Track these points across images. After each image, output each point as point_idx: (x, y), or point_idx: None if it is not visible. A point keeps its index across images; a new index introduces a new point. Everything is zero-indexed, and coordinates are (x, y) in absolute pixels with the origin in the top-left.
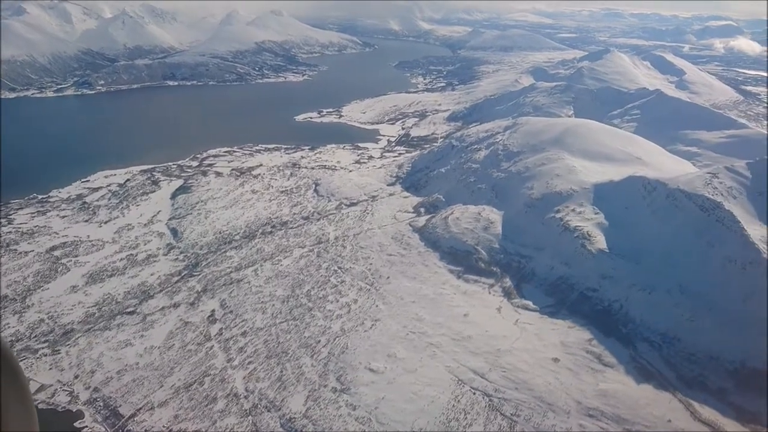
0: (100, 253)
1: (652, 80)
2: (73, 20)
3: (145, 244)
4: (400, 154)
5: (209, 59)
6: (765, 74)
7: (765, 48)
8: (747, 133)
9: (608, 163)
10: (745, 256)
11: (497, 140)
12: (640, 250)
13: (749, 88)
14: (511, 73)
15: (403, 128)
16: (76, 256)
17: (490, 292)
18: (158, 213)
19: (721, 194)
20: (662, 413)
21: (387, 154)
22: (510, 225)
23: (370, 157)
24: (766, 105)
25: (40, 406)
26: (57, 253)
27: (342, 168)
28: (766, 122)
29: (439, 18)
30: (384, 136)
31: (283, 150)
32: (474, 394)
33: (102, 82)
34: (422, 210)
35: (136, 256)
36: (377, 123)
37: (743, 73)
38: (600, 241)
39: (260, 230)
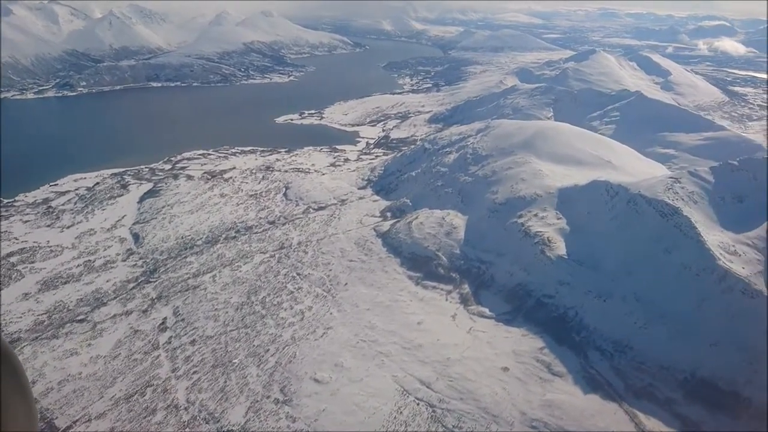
0: (57, 259)
1: (638, 81)
2: (60, 21)
3: (104, 250)
4: (377, 156)
5: (194, 60)
6: (754, 74)
7: (748, 49)
8: (724, 135)
9: (577, 167)
10: (700, 263)
11: (468, 143)
12: (599, 256)
13: (737, 88)
14: (497, 75)
15: (383, 130)
16: (33, 262)
17: (447, 299)
18: (123, 218)
19: (682, 199)
20: (606, 424)
21: (364, 157)
22: (473, 230)
23: (346, 160)
24: (751, 106)
25: None
26: (13, 259)
27: (316, 171)
28: (749, 123)
29: (434, 18)
30: (363, 138)
31: (258, 153)
32: (418, 405)
33: (83, 83)
34: (389, 214)
35: (94, 262)
36: (358, 125)
37: (732, 73)
38: (560, 247)
39: (224, 235)
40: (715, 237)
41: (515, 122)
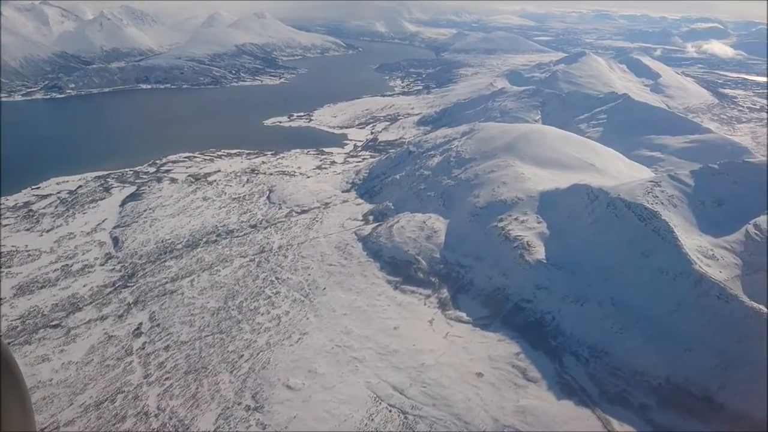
0: (35, 263)
1: (627, 83)
2: (50, 22)
3: (83, 254)
4: (363, 159)
5: (185, 62)
6: (745, 77)
7: (737, 52)
8: (710, 137)
9: (560, 170)
10: (677, 268)
11: (452, 147)
12: (578, 260)
13: (727, 90)
14: (487, 77)
15: (372, 132)
16: (9, 267)
17: (425, 304)
18: (104, 221)
19: (661, 203)
20: (579, 431)
21: (351, 160)
22: (454, 234)
23: (333, 163)
24: (741, 108)
25: None
26: None
27: (301, 174)
28: (738, 125)
29: (428, 19)
30: (352, 140)
31: (245, 155)
32: (390, 411)
33: (72, 85)
34: (371, 218)
35: (72, 266)
36: (347, 127)
37: (724, 75)
38: (539, 251)
39: (204, 239)
40: (693, 241)
41: (500, 125)
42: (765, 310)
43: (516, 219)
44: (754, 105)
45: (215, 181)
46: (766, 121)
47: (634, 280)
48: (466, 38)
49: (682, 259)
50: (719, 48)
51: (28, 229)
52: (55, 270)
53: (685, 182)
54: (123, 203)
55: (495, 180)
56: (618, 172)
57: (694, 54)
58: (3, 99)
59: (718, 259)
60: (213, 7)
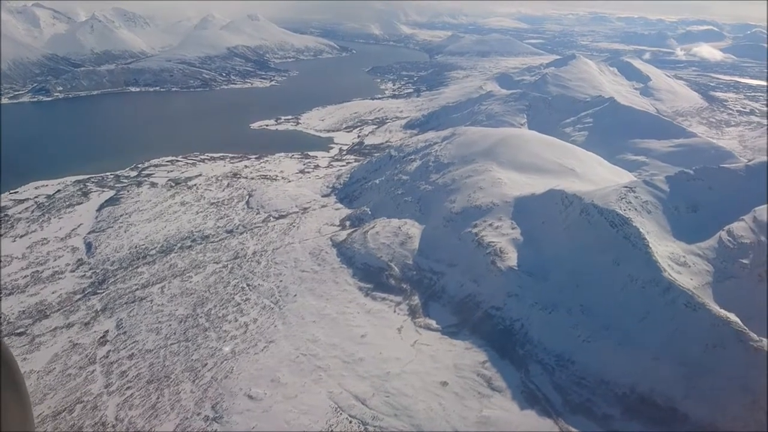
0: (5, 270)
1: (618, 87)
2: (42, 24)
3: (54, 260)
4: (348, 163)
5: (175, 65)
6: (738, 79)
7: (725, 55)
8: (694, 142)
9: (538, 175)
10: (646, 275)
11: (432, 151)
12: (550, 267)
13: (718, 93)
14: (478, 80)
15: (358, 136)
16: None
17: (395, 311)
18: (79, 226)
19: (635, 209)
20: None
21: (335, 164)
22: (428, 240)
23: (316, 167)
24: (730, 111)
25: None
26: None
27: (283, 178)
28: (727, 129)
29: (424, 21)
30: (338, 144)
31: (228, 159)
32: (350, 422)
33: (60, 88)
34: (347, 223)
35: (42, 273)
36: (334, 131)
37: (717, 78)
38: (511, 258)
39: (179, 244)
40: (666, 248)
41: (481, 129)
42: (733, 318)
43: (490, 225)
44: (744, 108)
45: (195, 185)
46: (755, 124)
47: (605, 287)
48: (461, 40)
49: (652, 267)
50: (708, 51)
51: (1, 235)
52: (25, 276)
53: (660, 188)
54: (100, 208)
55: (471, 185)
56: (598, 177)
57: (683, 57)
58: None
59: (689, 266)
60: (206, 10)
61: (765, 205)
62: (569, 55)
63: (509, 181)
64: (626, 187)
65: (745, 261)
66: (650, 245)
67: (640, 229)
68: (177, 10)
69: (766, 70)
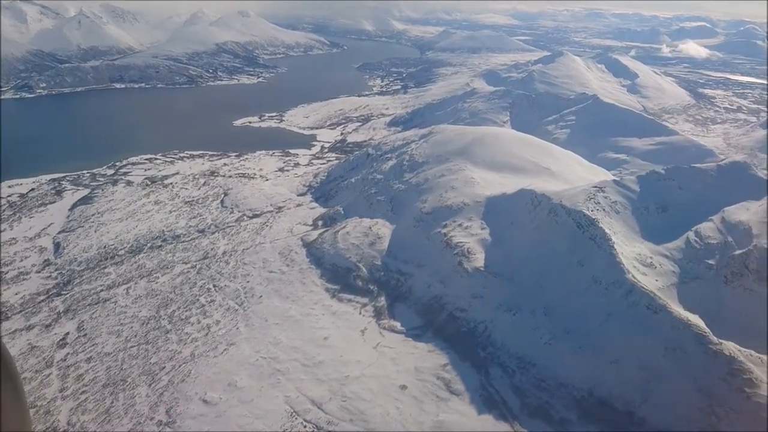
0: None
1: (604, 84)
2: (29, 20)
3: (21, 261)
4: (328, 161)
5: (161, 61)
6: (728, 76)
7: (711, 52)
8: (676, 140)
9: (512, 174)
10: (610, 277)
11: (408, 150)
12: (516, 268)
13: (707, 90)
14: (466, 77)
15: (342, 133)
16: None
17: (361, 313)
18: (49, 226)
19: (603, 209)
20: None
21: (315, 161)
22: (397, 240)
23: (296, 165)
24: (717, 109)
25: None
26: None
27: (261, 176)
28: (712, 126)
29: (418, 17)
30: (320, 141)
31: (207, 157)
32: (305, 427)
33: (43, 84)
34: (320, 223)
35: (7, 273)
36: (317, 128)
37: (706, 75)
38: (479, 259)
39: (149, 244)
40: (633, 248)
41: (458, 128)
42: (695, 320)
43: (460, 225)
44: (731, 105)
45: (171, 183)
46: (741, 122)
47: (569, 289)
48: (452, 36)
49: (616, 268)
50: (693, 48)
51: None
52: None
53: (630, 188)
54: (72, 207)
55: (444, 185)
56: (575, 176)
57: (668, 54)
58: None
59: (656, 267)
60: (196, 6)
61: (734, 206)
62: (557, 52)
63: (482, 181)
64: (596, 187)
65: (711, 262)
66: (615, 246)
67: (606, 230)
68: (168, 6)
69: (757, 67)
